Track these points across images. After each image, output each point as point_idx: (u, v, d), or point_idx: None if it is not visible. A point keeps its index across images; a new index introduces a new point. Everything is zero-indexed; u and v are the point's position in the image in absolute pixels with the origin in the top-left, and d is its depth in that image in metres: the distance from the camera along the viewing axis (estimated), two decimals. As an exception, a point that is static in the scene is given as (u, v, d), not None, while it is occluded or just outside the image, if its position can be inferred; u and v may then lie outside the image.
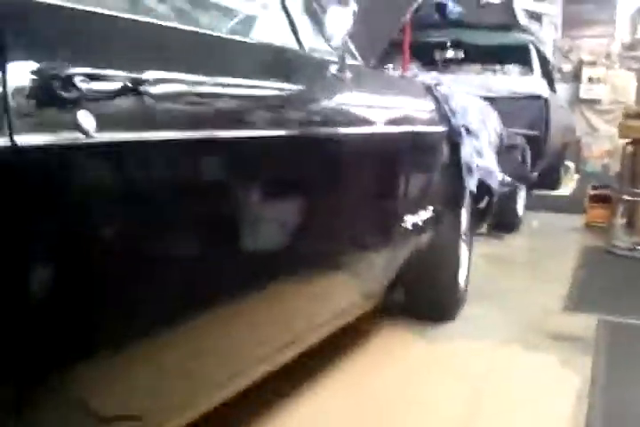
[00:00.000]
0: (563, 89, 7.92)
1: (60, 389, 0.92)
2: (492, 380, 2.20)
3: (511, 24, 5.62)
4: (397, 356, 2.40)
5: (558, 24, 9.52)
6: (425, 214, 2.27)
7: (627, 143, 4.54)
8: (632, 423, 1.97)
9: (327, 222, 1.68)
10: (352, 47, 2.01)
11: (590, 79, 9.28)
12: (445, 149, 2.44)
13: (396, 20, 3.67)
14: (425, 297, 2.73)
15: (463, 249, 2.90)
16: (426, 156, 2.33)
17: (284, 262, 1.47)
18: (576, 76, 9.36)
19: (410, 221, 2.14)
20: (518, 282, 3.50)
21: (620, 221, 4.61)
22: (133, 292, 1.03)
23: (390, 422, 1.90)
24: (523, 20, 5.76)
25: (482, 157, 2.65)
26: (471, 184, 2.55)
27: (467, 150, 2.48)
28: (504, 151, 3.36)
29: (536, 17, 7.01)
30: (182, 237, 1.13)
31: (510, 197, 4.71)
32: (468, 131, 2.51)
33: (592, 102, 9.25)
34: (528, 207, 5.40)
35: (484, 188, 2.93)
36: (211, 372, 1.32)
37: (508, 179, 3.76)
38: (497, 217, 4.65)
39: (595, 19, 9.41)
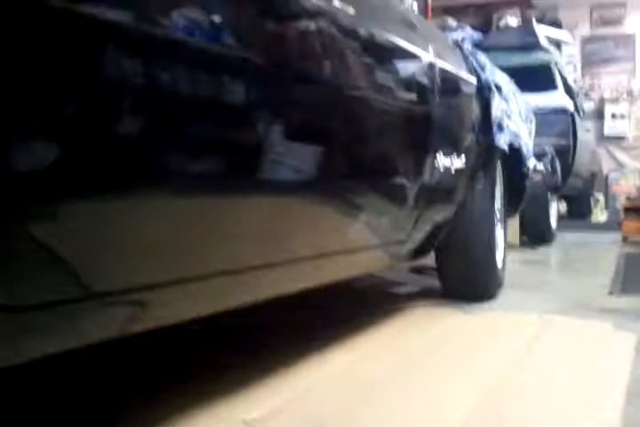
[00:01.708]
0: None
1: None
2: (544, 340, 2.00)
3: (532, 45, 5.60)
4: (438, 322, 2.23)
5: (578, 64, 9.54)
6: (457, 162, 2.14)
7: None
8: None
9: (354, 144, 1.57)
10: None
11: (613, 116, 9.20)
12: (476, 105, 2.33)
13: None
14: (461, 274, 2.57)
15: (498, 229, 2.76)
16: (458, 100, 2.22)
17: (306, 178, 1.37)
18: (599, 114, 9.28)
19: (442, 161, 2.01)
20: (557, 277, 3.33)
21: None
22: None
23: (433, 373, 1.72)
24: (543, 41, 5.74)
25: (512, 121, 2.54)
26: (501, 142, 2.42)
27: (496, 106, 2.37)
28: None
29: (555, 45, 7.01)
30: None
31: (542, 209, 4.58)
32: (498, 88, 2.40)
33: (617, 139, 9.14)
34: (562, 228, 5.24)
35: (517, 164, 2.82)
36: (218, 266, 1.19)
37: (540, 166, 3.64)
38: (530, 229, 4.53)
39: (614, 56, 9.40)
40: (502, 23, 6.13)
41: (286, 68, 1.26)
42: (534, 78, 5.39)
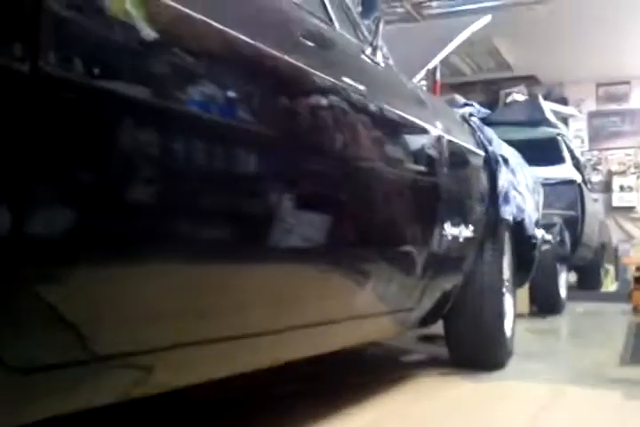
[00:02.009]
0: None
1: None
2: (554, 410, 2.00)
3: (539, 119, 5.73)
4: (447, 390, 2.24)
5: (585, 137, 9.71)
6: (465, 232, 2.20)
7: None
8: None
9: (366, 214, 1.64)
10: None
11: (622, 188, 9.31)
12: (484, 177, 2.41)
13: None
14: (470, 343, 2.58)
15: (507, 298, 2.78)
16: (466, 171, 2.30)
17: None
18: (607, 187, 9.40)
19: (450, 230, 2.07)
20: (567, 346, 3.33)
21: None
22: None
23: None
24: (550, 115, 5.88)
25: (518, 193, 2.61)
26: (506, 213, 2.48)
27: (503, 178, 2.44)
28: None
29: (562, 120, 7.16)
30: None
31: (551, 279, 4.60)
32: (505, 161, 2.49)
33: (625, 210, 9.22)
34: (572, 298, 5.23)
35: (524, 235, 2.87)
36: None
37: (548, 237, 3.68)
38: (539, 299, 4.54)
39: (620, 130, 9.58)
40: (509, 99, 6.28)
41: (300, 142, 1.34)
42: (542, 152, 5.50)
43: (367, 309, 1.78)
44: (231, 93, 1.12)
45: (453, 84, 8.21)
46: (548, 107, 6.20)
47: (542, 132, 5.64)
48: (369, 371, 2.59)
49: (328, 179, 1.45)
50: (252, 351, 1.36)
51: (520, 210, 2.67)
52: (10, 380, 0.82)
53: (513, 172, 2.61)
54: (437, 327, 2.64)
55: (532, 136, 5.52)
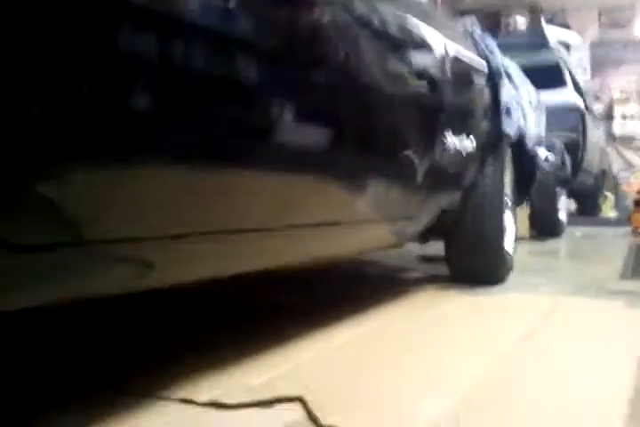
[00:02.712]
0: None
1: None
2: (557, 314, 2.01)
3: (541, 45, 5.63)
4: (447, 301, 2.24)
5: (587, 66, 9.56)
6: (467, 144, 2.16)
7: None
8: None
9: (368, 120, 1.60)
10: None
11: (624, 116, 9.23)
12: (486, 90, 2.35)
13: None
14: (470, 257, 2.57)
15: (508, 214, 2.77)
16: (469, 84, 2.23)
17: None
18: (608, 115, 9.31)
19: (451, 142, 2.03)
20: (567, 264, 3.34)
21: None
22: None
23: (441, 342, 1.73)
24: (551, 40, 5.78)
25: (521, 108, 2.56)
26: (508, 127, 2.43)
27: (506, 92, 2.38)
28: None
29: (565, 46, 7.04)
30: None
31: (551, 202, 4.59)
32: (507, 75, 2.42)
33: (627, 139, 9.17)
34: (571, 223, 5.24)
35: (525, 151, 2.84)
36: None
37: (551, 156, 3.65)
38: (539, 222, 4.54)
39: (623, 58, 9.43)
40: (511, 26, 6.14)
41: (307, 46, 1.30)
42: (544, 77, 5.39)
43: (368, 213, 1.75)
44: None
45: (454, 12, 8.03)
46: (551, 33, 6.08)
47: (544, 57, 5.54)
48: (369, 286, 2.60)
49: (332, 84, 1.41)
50: (252, 250, 1.35)
51: (522, 125, 2.63)
52: (14, 259, 0.82)
53: (515, 87, 2.55)
54: (438, 250, 2.65)
55: (534, 62, 5.42)
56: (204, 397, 1.16)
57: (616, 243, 4.47)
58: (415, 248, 3.34)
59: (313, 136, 1.38)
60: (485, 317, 2.02)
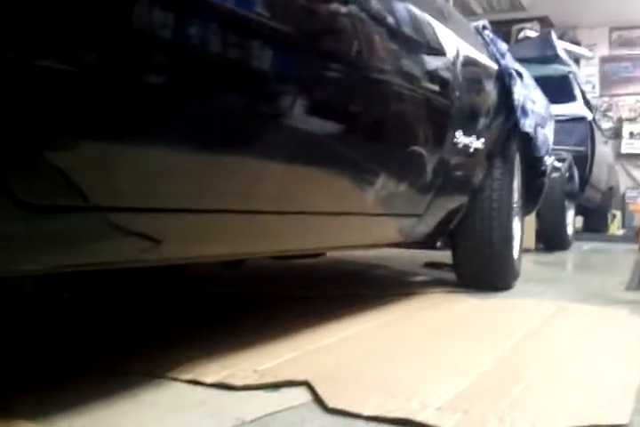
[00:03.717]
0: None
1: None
2: (562, 318, 2.00)
3: (551, 56, 5.64)
4: (455, 302, 2.24)
5: (596, 83, 9.58)
6: (476, 144, 2.17)
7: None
8: None
9: (380, 115, 1.61)
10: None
11: (632, 134, 9.23)
12: (496, 90, 2.36)
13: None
14: (477, 262, 2.56)
15: (516, 221, 2.76)
16: (480, 83, 2.24)
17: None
18: (617, 134, 9.31)
19: (461, 140, 2.04)
20: (574, 275, 3.33)
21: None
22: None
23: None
24: (561, 52, 5.78)
25: (534, 107, 2.56)
26: (526, 125, 2.43)
27: (518, 91, 2.38)
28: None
29: (574, 59, 7.05)
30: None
31: (559, 215, 4.58)
32: (519, 75, 2.43)
33: (634, 157, 9.16)
34: (578, 239, 5.23)
35: (534, 157, 2.83)
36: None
37: (558, 164, 3.65)
38: (546, 235, 4.53)
39: (632, 77, 9.44)
40: (521, 35, 6.16)
41: (325, 37, 1.32)
42: (553, 90, 5.41)
43: (378, 206, 1.76)
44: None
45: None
46: (561, 45, 6.09)
47: (554, 69, 5.55)
48: (376, 286, 2.59)
49: (346, 77, 1.43)
50: (261, 232, 1.35)
51: (537, 124, 2.62)
52: (23, 216, 0.82)
53: (527, 87, 2.55)
54: (442, 257, 2.64)
55: (544, 73, 5.43)
56: (212, 378, 1.16)
57: (623, 257, 4.46)
58: (420, 256, 3.36)
59: (329, 125, 1.40)
60: (493, 316, 2.02)
